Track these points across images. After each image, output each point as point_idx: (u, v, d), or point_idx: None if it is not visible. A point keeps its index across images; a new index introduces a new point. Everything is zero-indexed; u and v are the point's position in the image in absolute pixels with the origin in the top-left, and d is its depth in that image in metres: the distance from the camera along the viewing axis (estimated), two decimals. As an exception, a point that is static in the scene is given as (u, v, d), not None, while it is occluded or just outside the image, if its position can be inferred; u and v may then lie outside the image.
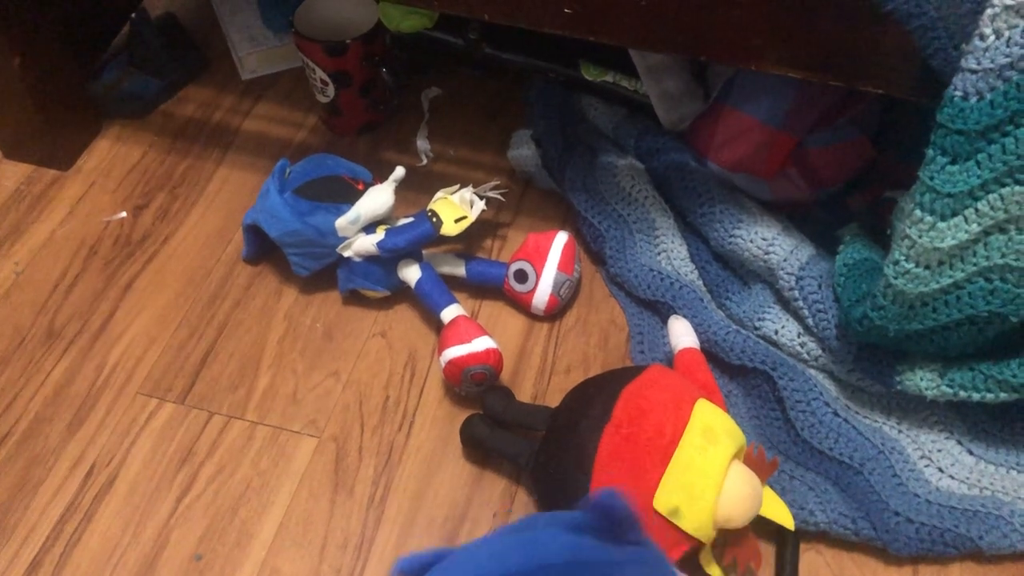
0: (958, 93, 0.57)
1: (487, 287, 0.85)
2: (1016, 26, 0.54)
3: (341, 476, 0.74)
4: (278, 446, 0.76)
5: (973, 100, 0.56)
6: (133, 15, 0.99)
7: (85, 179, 0.96)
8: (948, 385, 0.69)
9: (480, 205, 0.82)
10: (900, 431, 0.74)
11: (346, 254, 0.80)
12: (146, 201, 0.94)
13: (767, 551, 0.69)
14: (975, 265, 0.61)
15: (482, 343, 0.74)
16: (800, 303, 0.76)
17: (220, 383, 0.80)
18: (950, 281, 0.62)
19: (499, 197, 0.88)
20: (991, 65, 0.55)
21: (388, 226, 0.81)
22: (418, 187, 0.92)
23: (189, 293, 0.86)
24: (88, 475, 0.74)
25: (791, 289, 0.76)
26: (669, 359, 0.76)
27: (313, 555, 0.70)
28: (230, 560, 0.69)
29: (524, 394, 0.79)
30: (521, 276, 0.81)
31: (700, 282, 0.82)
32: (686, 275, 0.82)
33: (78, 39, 0.98)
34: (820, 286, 0.75)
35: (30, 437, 0.76)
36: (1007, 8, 0.53)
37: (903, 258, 0.62)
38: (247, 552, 0.70)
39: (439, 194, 0.83)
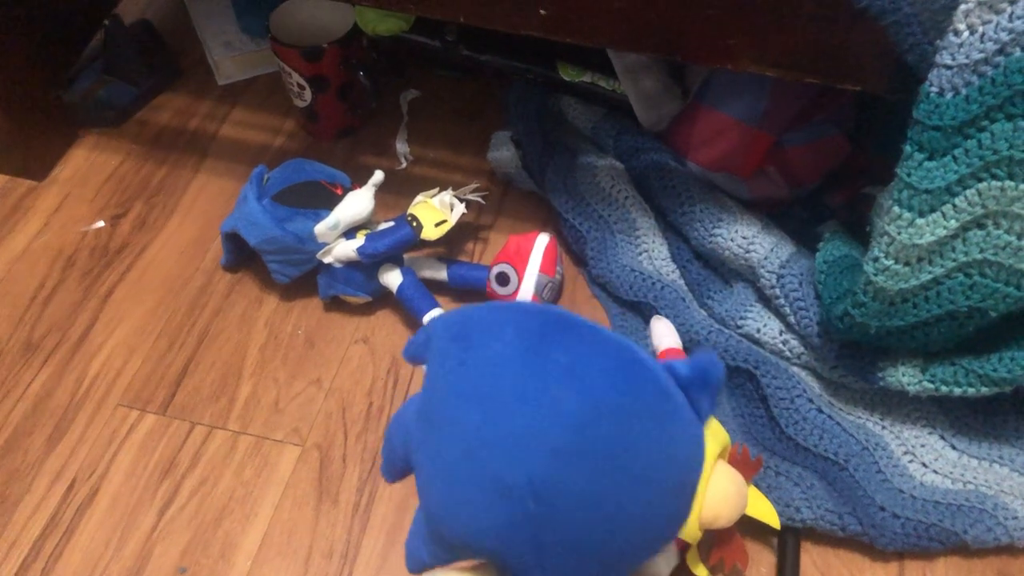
0: (934, 89, 0.57)
1: (469, 290, 0.84)
2: (990, 21, 0.54)
3: (325, 484, 0.73)
4: (261, 455, 0.75)
5: (949, 96, 0.56)
6: (106, 21, 0.98)
7: (61, 189, 0.96)
8: (930, 380, 0.69)
9: (460, 208, 0.82)
10: (883, 427, 0.74)
11: (326, 260, 0.79)
12: (123, 210, 0.93)
13: (754, 550, 0.69)
14: (954, 261, 0.61)
15: (464, 347, 0.73)
16: (781, 301, 0.76)
17: (201, 393, 0.79)
18: (930, 277, 0.62)
19: (479, 200, 0.88)
20: (966, 60, 0.55)
21: (368, 231, 0.80)
22: (398, 191, 0.92)
23: (168, 302, 0.85)
24: (69, 489, 0.73)
25: (772, 287, 0.76)
26: (652, 359, 0.76)
27: (298, 565, 0.69)
28: (215, 572, 0.69)
29: (508, 397, 0.78)
30: (503, 279, 0.81)
31: (682, 282, 0.82)
32: (667, 275, 0.82)
33: (50, 47, 0.97)
34: (801, 284, 0.75)
35: (9, 451, 0.75)
36: (981, 4, 0.53)
37: (882, 255, 0.62)
38: (232, 563, 0.69)
39: (419, 198, 0.82)
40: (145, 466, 0.75)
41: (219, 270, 0.88)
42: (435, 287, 0.83)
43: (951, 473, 0.72)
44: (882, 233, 0.62)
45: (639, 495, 0.40)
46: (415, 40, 0.94)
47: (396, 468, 0.49)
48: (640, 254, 0.83)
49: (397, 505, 0.72)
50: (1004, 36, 0.54)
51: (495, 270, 0.81)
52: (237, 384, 0.80)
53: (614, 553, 0.40)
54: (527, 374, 0.41)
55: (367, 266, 0.79)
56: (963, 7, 0.54)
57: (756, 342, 0.78)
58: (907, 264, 0.62)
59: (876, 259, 0.63)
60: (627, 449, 0.39)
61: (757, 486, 0.69)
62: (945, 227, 0.60)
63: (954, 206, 0.59)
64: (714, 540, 0.65)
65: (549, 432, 0.39)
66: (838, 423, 0.72)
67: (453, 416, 0.42)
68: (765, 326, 0.77)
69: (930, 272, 0.62)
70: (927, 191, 0.59)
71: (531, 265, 0.80)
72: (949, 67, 0.56)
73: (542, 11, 0.65)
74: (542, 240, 0.81)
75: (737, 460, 0.65)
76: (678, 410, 0.41)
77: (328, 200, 0.80)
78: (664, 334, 0.75)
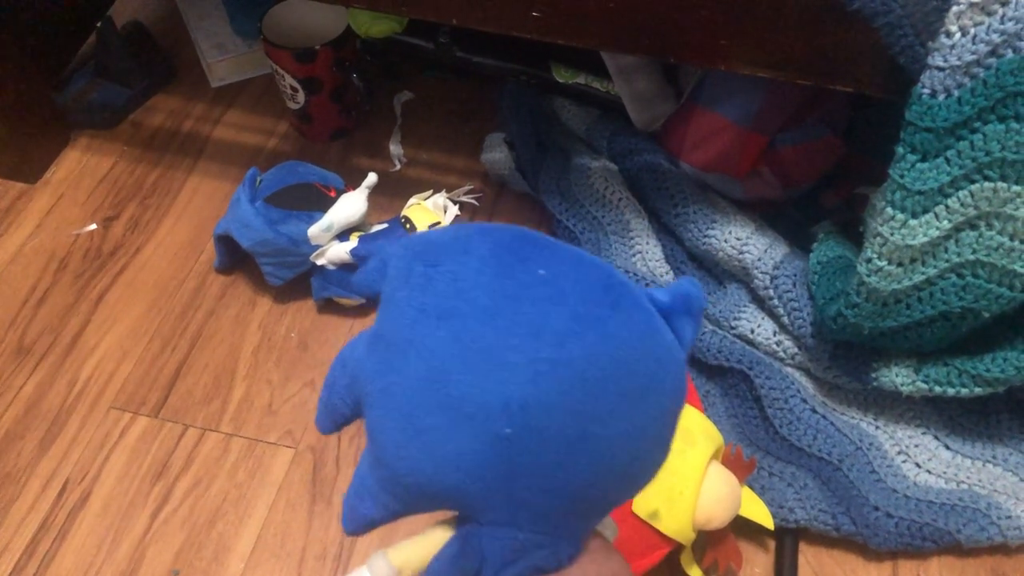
0: (926, 90, 0.57)
1: (463, 292, 0.84)
2: (982, 23, 0.54)
3: (319, 486, 0.73)
4: (254, 458, 0.75)
5: (941, 97, 0.57)
6: (99, 24, 0.98)
7: (54, 191, 0.95)
8: (923, 381, 0.69)
9: (454, 210, 0.82)
10: (877, 427, 0.74)
11: (319, 262, 0.79)
12: (116, 212, 0.93)
13: (748, 551, 0.69)
14: (947, 262, 0.61)
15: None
16: (775, 301, 0.76)
17: (194, 395, 0.79)
18: (923, 278, 0.62)
19: (473, 201, 0.88)
20: (958, 62, 0.55)
21: (362, 233, 0.80)
22: (391, 193, 0.91)
23: (161, 305, 0.85)
24: (61, 492, 0.73)
25: (766, 288, 0.76)
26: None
27: (292, 567, 0.69)
28: (208, 574, 0.69)
29: (502, 399, 0.78)
30: (496, 280, 0.81)
31: (676, 283, 0.82)
32: (661, 276, 0.82)
33: (43, 49, 0.97)
34: (795, 284, 0.75)
35: (1, 455, 0.75)
36: (972, 5, 0.54)
37: (875, 256, 0.63)
38: (225, 566, 0.69)
39: (412, 200, 0.82)
40: (138, 469, 0.74)
41: (212, 272, 0.88)
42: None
43: (945, 473, 0.72)
44: (875, 234, 0.62)
45: (623, 420, 0.36)
46: (408, 42, 0.94)
47: (337, 415, 0.42)
48: (634, 255, 0.83)
49: (391, 507, 0.72)
50: (996, 38, 0.54)
51: (489, 272, 0.81)
52: (230, 386, 0.79)
53: (590, 488, 0.37)
54: (502, 287, 0.37)
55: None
56: (955, 9, 0.54)
57: (750, 343, 0.78)
58: (900, 265, 0.62)
59: (869, 260, 0.63)
60: (612, 368, 0.36)
61: (751, 487, 0.69)
62: (938, 228, 0.60)
63: (947, 207, 0.59)
64: (708, 541, 0.65)
65: (526, 348, 0.35)
66: (832, 423, 0.72)
67: (416, 337, 0.37)
68: (759, 327, 0.77)
69: (923, 273, 0.62)
70: (920, 192, 0.59)
71: (525, 266, 0.80)
72: (941, 69, 0.56)
73: (535, 13, 0.65)
74: (536, 241, 0.81)
75: (731, 461, 0.65)
76: (662, 333, 0.38)
77: (321, 202, 0.79)
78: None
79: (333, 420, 0.42)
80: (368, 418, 0.39)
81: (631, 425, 0.36)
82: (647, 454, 0.38)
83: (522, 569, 0.37)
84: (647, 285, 0.80)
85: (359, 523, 0.42)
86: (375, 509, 0.40)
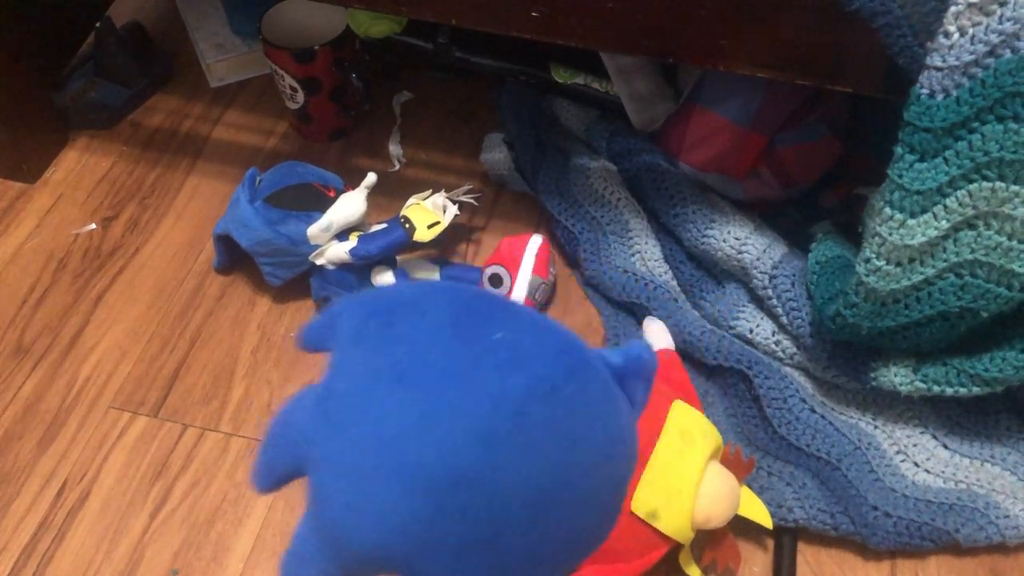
0: (924, 91, 0.57)
1: (462, 292, 0.84)
2: (980, 23, 0.54)
3: (318, 486, 0.73)
4: (254, 457, 0.75)
5: (940, 98, 0.57)
6: (98, 24, 0.98)
7: (53, 191, 0.95)
8: (922, 380, 0.69)
9: (453, 210, 0.82)
10: (876, 426, 0.74)
11: (319, 262, 0.79)
12: (115, 212, 0.93)
13: (747, 550, 0.69)
14: (945, 261, 0.62)
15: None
16: (774, 301, 0.76)
17: (194, 395, 0.79)
18: (921, 278, 0.63)
19: (472, 201, 0.88)
20: (956, 62, 0.55)
21: (361, 233, 0.80)
22: (390, 193, 0.92)
23: (160, 305, 0.85)
24: (60, 492, 0.73)
25: (765, 288, 0.76)
26: (645, 360, 0.76)
27: (291, 567, 0.69)
28: (207, 574, 0.69)
29: (501, 399, 0.78)
30: (496, 280, 0.81)
31: (674, 282, 0.82)
32: (660, 276, 0.82)
33: (42, 49, 0.97)
34: (793, 284, 0.75)
35: (0, 455, 0.75)
36: (971, 6, 0.54)
37: (874, 256, 0.63)
38: (224, 565, 0.69)
39: (412, 200, 0.82)
40: (137, 468, 0.74)
41: (211, 272, 0.88)
42: (428, 289, 0.82)
43: (943, 472, 0.72)
44: (874, 234, 0.62)
45: (575, 489, 0.35)
46: (407, 42, 0.94)
47: (276, 473, 0.40)
48: (633, 255, 0.83)
49: (390, 507, 0.72)
50: (994, 38, 0.54)
51: (488, 272, 0.81)
52: (229, 386, 0.79)
53: (539, 560, 0.36)
54: (457, 350, 0.36)
55: (360, 268, 0.79)
56: (953, 9, 0.54)
57: (749, 342, 0.78)
58: (899, 265, 0.62)
59: (868, 260, 0.63)
60: (566, 437, 0.35)
61: (749, 486, 0.69)
62: (936, 228, 0.60)
63: (945, 207, 0.59)
64: (707, 540, 0.65)
65: (480, 415, 0.34)
66: (831, 423, 0.72)
67: (366, 401, 0.36)
68: (758, 326, 0.77)
69: (921, 273, 0.62)
70: (918, 192, 0.59)
71: (524, 267, 0.80)
72: (939, 69, 0.56)
73: (534, 13, 0.65)
74: (535, 242, 0.81)
75: (730, 460, 0.65)
76: (615, 399, 0.38)
77: (320, 202, 0.79)
78: (657, 335, 0.75)
79: (272, 480, 0.40)
80: (312, 481, 0.37)
81: (584, 493, 0.35)
82: (596, 522, 0.37)
83: None
84: (646, 286, 0.80)
85: None
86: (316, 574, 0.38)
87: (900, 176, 0.59)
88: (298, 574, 0.39)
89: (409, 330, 0.37)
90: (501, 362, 0.35)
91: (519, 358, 0.36)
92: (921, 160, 0.59)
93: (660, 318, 0.78)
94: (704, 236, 0.80)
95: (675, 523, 0.60)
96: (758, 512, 0.66)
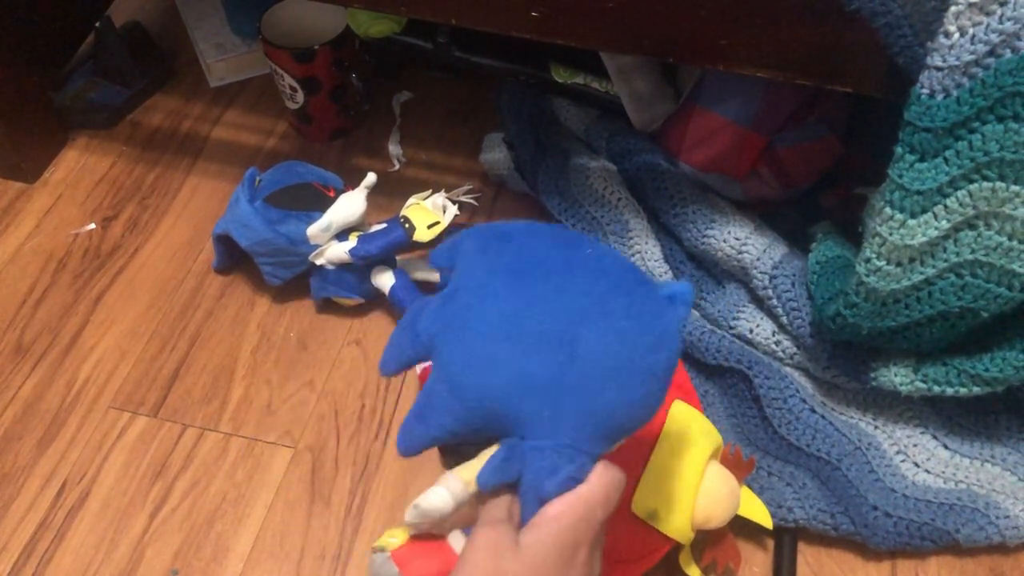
0: (925, 91, 0.57)
1: (462, 292, 0.84)
2: (980, 23, 0.54)
3: (318, 486, 0.73)
4: (253, 457, 0.75)
5: (940, 97, 0.57)
6: (98, 24, 0.98)
7: (52, 191, 0.95)
8: (922, 380, 0.69)
9: (453, 210, 0.82)
10: (876, 427, 0.74)
11: (318, 262, 0.79)
12: (115, 212, 0.93)
13: (747, 550, 0.69)
14: (946, 261, 0.62)
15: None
16: (774, 301, 0.76)
17: (193, 395, 0.79)
18: (921, 278, 0.62)
19: (472, 201, 0.88)
20: (956, 62, 0.55)
21: (360, 233, 0.80)
22: (390, 193, 0.91)
23: (160, 305, 0.85)
24: (60, 492, 0.73)
25: (765, 288, 0.76)
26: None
27: (291, 567, 0.69)
28: (207, 574, 0.69)
29: (501, 399, 0.78)
30: (495, 280, 0.81)
31: (674, 283, 0.82)
32: (660, 276, 0.82)
33: (41, 49, 0.97)
34: (793, 284, 0.75)
35: (0, 455, 0.75)
36: (971, 5, 0.54)
37: (874, 256, 0.63)
38: (224, 565, 0.69)
39: (411, 200, 0.82)
40: (137, 468, 0.74)
41: (211, 272, 0.88)
42: (427, 289, 0.83)
43: (943, 472, 0.72)
44: (874, 234, 0.62)
45: (643, 361, 0.46)
46: (407, 42, 0.94)
47: (404, 356, 0.50)
48: (633, 255, 0.83)
49: (390, 507, 0.72)
50: (994, 38, 0.54)
51: (488, 271, 0.81)
52: (229, 386, 0.79)
53: (615, 413, 0.46)
54: (558, 258, 0.48)
55: (359, 268, 0.79)
56: (953, 9, 0.54)
57: (749, 342, 0.78)
58: (899, 265, 0.62)
59: (868, 260, 0.63)
60: (637, 324, 0.47)
61: (749, 486, 0.69)
62: (937, 228, 0.60)
63: (945, 207, 0.59)
64: (707, 540, 0.65)
65: (579, 303, 0.46)
66: (831, 423, 0.72)
67: (489, 289, 0.47)
68: (758, 327, 0.77)
69: (922, 273, 0.62)
70: (918, 192, 0.59)
71: (524, 266, 0.80)
72: (940, 69, 0.56)
73: (534, 13, 0.65)
74: (535, 241, 0.81)
75: (729, 461, 0.65)
76: (667, 304, 0.48)
77: (320, 202, 0.79)
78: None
79: (399, 361, 0.51)
80: (442, 352, 0.48)
81: (648, 366, 0.47)
82: (654, 393, 0.47)
83: (562, 478, 0.46)
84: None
85: (415, 442, 0.49)
86: (433, 428, 0.48)
87: (900, 176, 0.59)
88: (417, 429, 0.49)
89: (522, 245, 0.49)
90: (589, 271, 0.48)
91: (603, 268, 0.48)
92: (921, 160, 0.59)
93: (660, 318, 0.78)
94: (704, 236, 0.80)
95: (675, 523, 0.60)
96: (758, 512, 0.66)
